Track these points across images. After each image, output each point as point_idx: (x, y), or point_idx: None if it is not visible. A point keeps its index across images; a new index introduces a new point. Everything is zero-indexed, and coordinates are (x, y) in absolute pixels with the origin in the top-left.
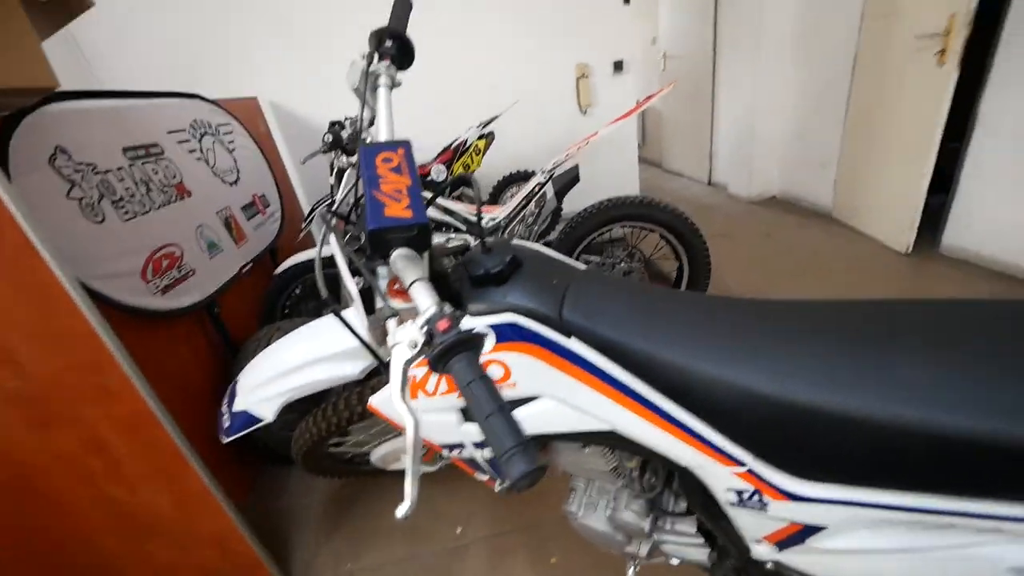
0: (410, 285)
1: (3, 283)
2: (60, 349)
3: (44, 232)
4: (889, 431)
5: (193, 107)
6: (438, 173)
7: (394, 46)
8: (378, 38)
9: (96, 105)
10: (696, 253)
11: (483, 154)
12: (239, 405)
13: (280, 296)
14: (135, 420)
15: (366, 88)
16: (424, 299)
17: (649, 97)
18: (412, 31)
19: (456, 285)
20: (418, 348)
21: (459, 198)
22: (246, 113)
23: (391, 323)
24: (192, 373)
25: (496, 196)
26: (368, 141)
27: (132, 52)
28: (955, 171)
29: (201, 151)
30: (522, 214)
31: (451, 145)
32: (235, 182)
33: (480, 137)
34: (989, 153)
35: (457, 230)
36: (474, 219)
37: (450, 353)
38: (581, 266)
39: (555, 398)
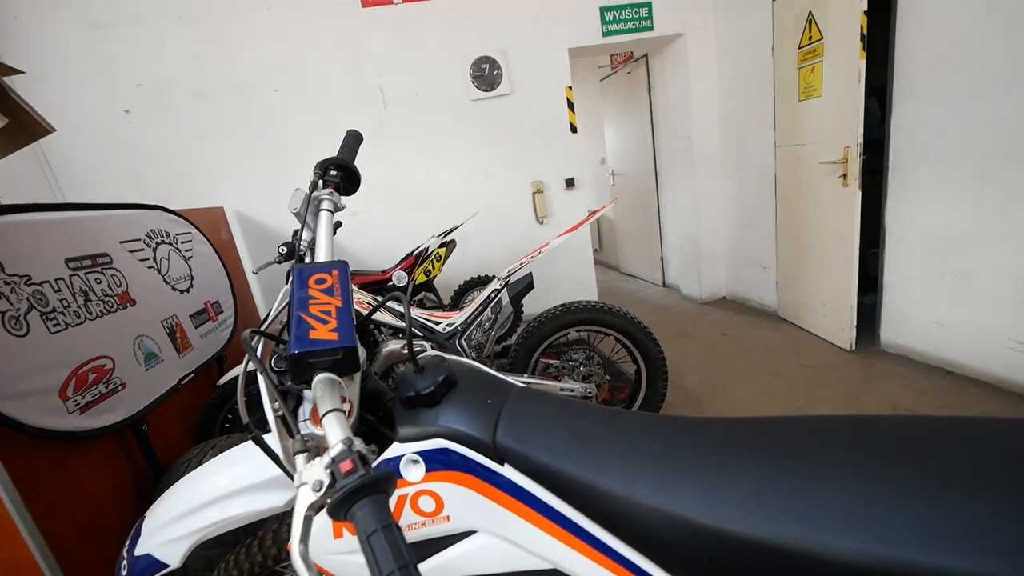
0: (323, 416)
1: None
2: None
3: None
4: (824, 564)
5: (152, 217)
6: (399, 279)
7: (339, 175)
8: (323, 168)
9: (43, 217)
10: (652, 356)
11: (444, 261)
12: (141, 548)
13: (221, 409)
14: (12, 572)
15: (306, 211)
16: (333, 433)
17: (594, 212)
18: (379, 146)
19: (391, 405)
20: (322, 491)
21: (420, 304)
22: (210, 221)
23: (299, 459)
24: (105, 504)
25: (457, 300)
26: (304, 261)
27: (102, 167)
28: (878, 275)
29: (155, 260)
30: (479, 320)
31: (413, 252)
32: (187, 290)
33: (441, 245)
34: (904, 258)
35: (415, 336)
36: (433, 325)
37: (351, 499)
38: (519, 382)
39: (492, 533)
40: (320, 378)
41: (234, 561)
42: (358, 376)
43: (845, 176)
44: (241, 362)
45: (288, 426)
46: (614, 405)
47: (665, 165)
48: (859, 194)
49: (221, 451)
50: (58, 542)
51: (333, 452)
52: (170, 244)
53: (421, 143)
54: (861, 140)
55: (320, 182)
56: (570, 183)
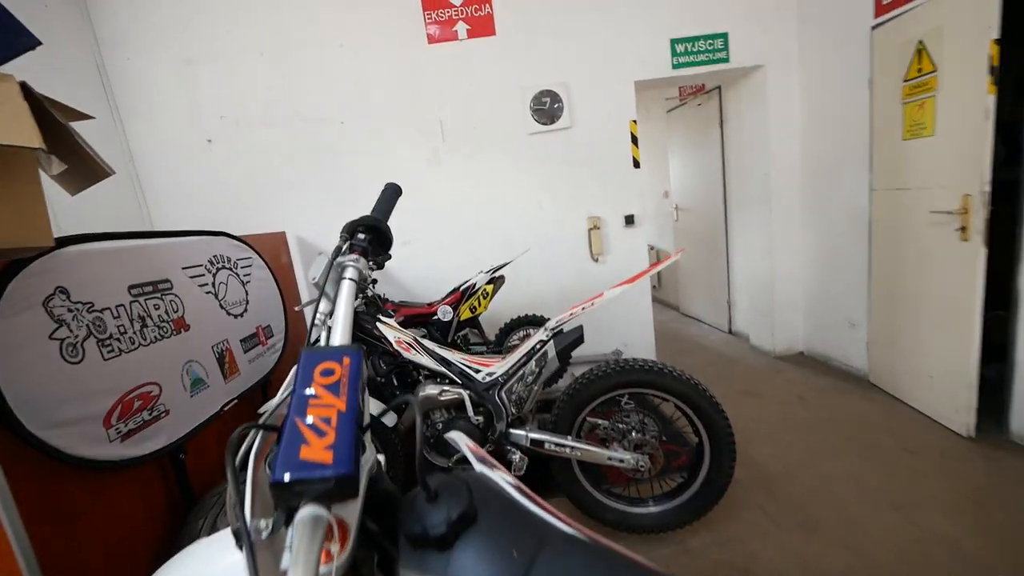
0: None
1: None
2: None
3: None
4: None
5: (216, 243)
6: (444, 314)
7: (367, 238)
8: (350, 230)
9: (111, 246)
10: (718, 431)
11: (491, 298)
12: None
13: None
14: None
15: (325, 280)
16: None
17: (656, 264)
18: (434, 177)
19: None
20: None
21: (464, 340)
22: (271, 246)
23: None
24: (135, 533)
25: (502, 339)
26: (314, 342)
27: (186, 191)
28: (1007, 344)
29: (213, 285)
30: (522, 371)
31: (460, 287)
32: (241, 314)
33: (489, 282)
34: None
35: (452, 381)
36: (472, 372)
37: None
38: (562, 524)
39: None
40: (302, 515)
41: None
42: (358, 503)
43: (964, 229)
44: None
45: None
46: (671, 474)
47: (736, 202)
48: (984, 251)
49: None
50: (87, 571)
51: None
52: (230, 269)
53: (476, 175)
54: (988, 188)
55: (345, 246)
56: (629, 220)
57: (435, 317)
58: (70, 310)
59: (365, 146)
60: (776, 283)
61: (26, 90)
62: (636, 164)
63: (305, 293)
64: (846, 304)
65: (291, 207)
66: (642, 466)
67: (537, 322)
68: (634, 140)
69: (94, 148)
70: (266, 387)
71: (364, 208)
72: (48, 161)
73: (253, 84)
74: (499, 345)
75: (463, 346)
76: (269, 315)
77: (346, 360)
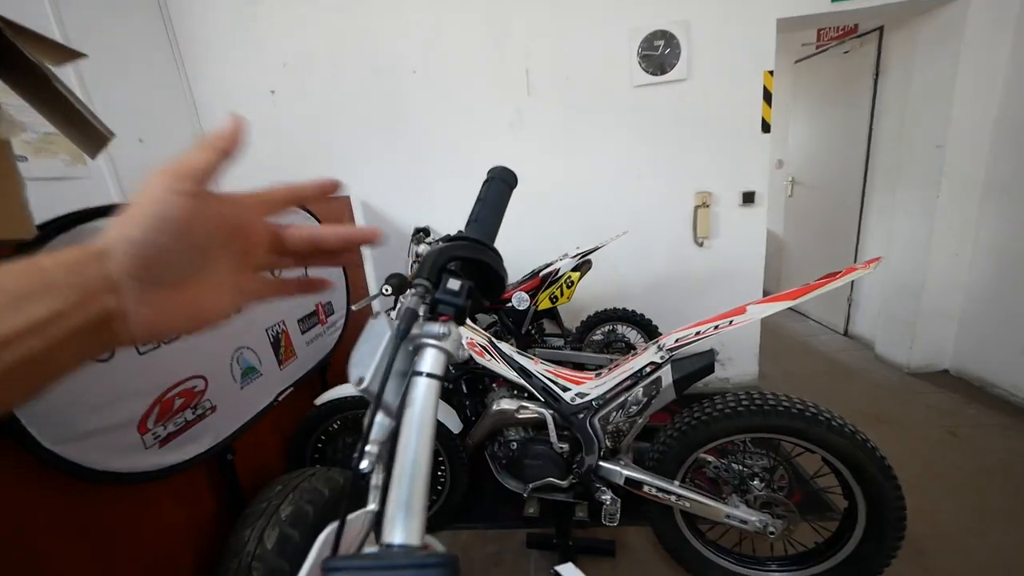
0: None
1: None
2: None
3: None
4: None
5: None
6: (519, 302)
7: (466, 288)
8: (435, 267)
9: None
10: (883, 501)
11: (575, 286)
12: None
13: (314, 431)
14: None
15: (388, 371)
16: None
17: (831, 277)
18: (515, 140)
19: None
20: None
21: (538, 330)
22: (336, 213)
23: None
24: (176, 543)
25: (583, 334)
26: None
27: (246, 156)
28: None
29: None
30: (624, 398)
31: (539, 271)
32: None
33: (575, 268)
34: None
35: (532, 396)
36: (559, 390)
37: None
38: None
39: None
40: None
41: None
42: None
43: None
44: (345, 376)
45: None
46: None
47: (883, 181)
48: None
49: (308, 491)
50: None
51: None
52: None
53: (565, 137)
54: None
55: (422, 307)
56: (748, 197)
57: (509, 304)
58: None
59: (440, 101)
60: (927, 285)
61: None
62: (765, 128)
63: (371, 267)
64: None
65: (357, 169)
66: (772, 532)
67: (628, 318)
68: (767, 97)
69: (90, 108)
70: (324, 370)
71: (433, 176)
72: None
73: (319, 27)
74: (580, 341)
75: (537, 337)
76: (330, 291)
77: None
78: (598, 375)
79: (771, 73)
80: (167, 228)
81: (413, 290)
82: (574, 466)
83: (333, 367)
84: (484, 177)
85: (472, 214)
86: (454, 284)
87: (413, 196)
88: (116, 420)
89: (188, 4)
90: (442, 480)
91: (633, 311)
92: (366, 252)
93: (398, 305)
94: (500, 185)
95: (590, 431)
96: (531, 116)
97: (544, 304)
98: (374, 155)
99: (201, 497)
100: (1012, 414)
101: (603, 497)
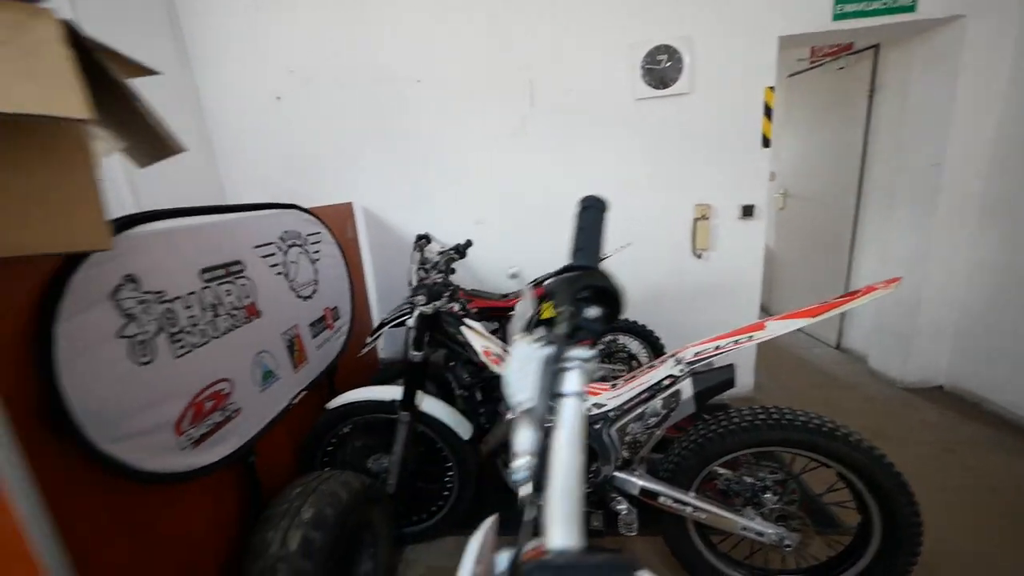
0: None
1: None
2: None
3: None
4: None
5: (288, 217)
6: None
7: (601, 316)
8: (570, 290)
9: (182, 224)
10: (899, 517)
11: None
12: None
13: (325, 435)
14: None
15: (548, 402)
16: None
17: (852, 295)
18: (517, 149)
19: None
20: None
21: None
22: (338, 218)
23: None
24: (195, 548)
25: None
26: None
27: (254, 152)
28: None
29: (284, 264)
30: (642, 410)
31: (542, 281)
32: (310, 295)
33: None
34: None
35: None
36: None
37: None
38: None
39: None
40: None
41: None
42: None
43: None
44: (349, 391)
45: None
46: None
47: (878, 197)
48: None
49: (327, 494)
50: None
51: None
52: (300, 246)
53: (566, 148)
54: None
55: (566, 328)
56: (747, 211)
57: (511, 312)
58: (140, 301)
59: (442, 110)
60: (923, 301)
61: (72, 34)
62: (766, 143)
63: (371, 272)
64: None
65: (358, 175)
66: (788, 545)
67: (630, 329)
68: (767, 112)
69: (159, 112)
70: (332, 374)
71: (436, 183)
72: (107, 142)
73: (324, 36)
74: None
75: None
76: (337, 296)
77: None
78: (613, 386)
79: (771, 89)
80: None
81: (556, 316)
82: (589, 475)
83: (340, 371)
84: (480, 185)
85: (576, 243)
86: (594, 312)
87: (414, 203)
88: (154, 422)
89: (196, 12)
90: (449, 486)
91: (635, 322)
92: (367, 259)
93: (415, 310)
94: (594, 213)
95: (606, 441)
96: (534, 126)
97: (547, 313)
98: (376, 161)
99: (225, 499)
100: (1009, 431)
101: (619, 507)
